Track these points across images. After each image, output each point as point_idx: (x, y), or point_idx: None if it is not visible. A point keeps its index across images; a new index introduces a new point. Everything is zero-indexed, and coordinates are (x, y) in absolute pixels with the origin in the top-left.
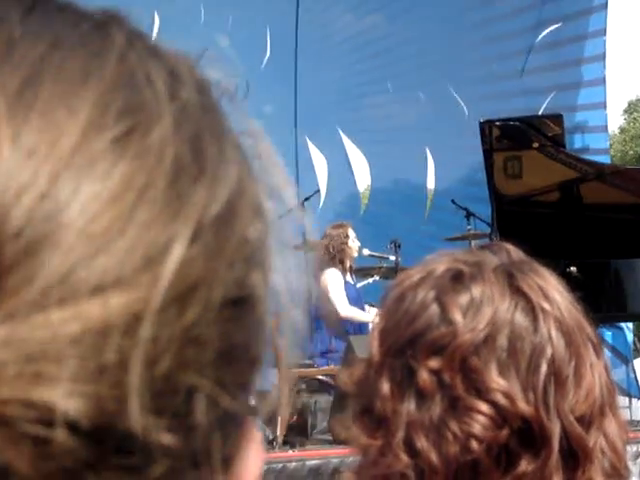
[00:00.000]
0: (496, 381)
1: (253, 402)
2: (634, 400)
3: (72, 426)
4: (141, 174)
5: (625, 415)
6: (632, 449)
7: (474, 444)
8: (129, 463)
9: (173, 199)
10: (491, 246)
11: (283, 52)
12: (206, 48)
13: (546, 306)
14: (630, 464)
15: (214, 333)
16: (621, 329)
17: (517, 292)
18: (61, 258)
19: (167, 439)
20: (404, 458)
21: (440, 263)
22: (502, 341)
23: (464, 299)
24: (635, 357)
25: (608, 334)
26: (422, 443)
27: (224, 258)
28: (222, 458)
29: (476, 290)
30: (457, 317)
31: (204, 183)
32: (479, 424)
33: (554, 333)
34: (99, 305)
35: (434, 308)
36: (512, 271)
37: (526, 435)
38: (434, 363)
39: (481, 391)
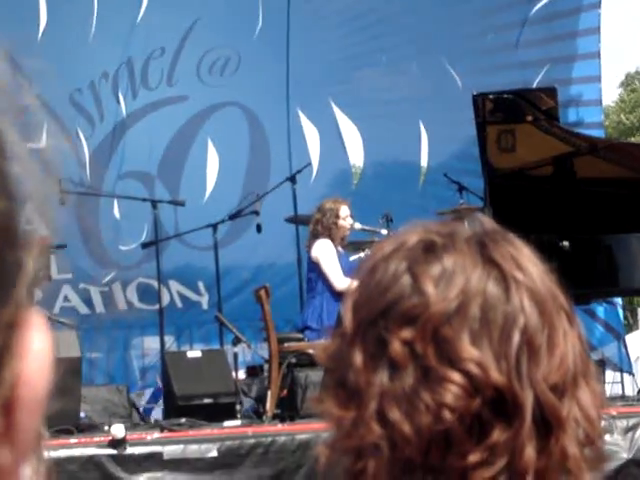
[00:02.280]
0: (468, 350)
1: None
2: (625, 375)
3: None
4: None
5: (617, 390)
6: (623, 423)
7: (446, 414)
8: None
9: None
10: (464, 217)
11: (275, 22)
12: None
13: (518, 275)
14: (620, 438)
15: None
16: (614, 304)
17: (489, 262)
18: None
19: None
20: (377, 429)
21: (412, 234)
22: (474, 311)
23: (436, 270)
24: (627, 332)
25: (600, 309)
26: (394, 414)
27: None
28: None
29: (448, 260)
30: (429, 288)
31: None
32: (451, 394)
33: (526, 302)
34: None
35: (406, 279)
36: (485, 241)
37: (499, 404)
38: (406, 334)
39: (453, 361)
